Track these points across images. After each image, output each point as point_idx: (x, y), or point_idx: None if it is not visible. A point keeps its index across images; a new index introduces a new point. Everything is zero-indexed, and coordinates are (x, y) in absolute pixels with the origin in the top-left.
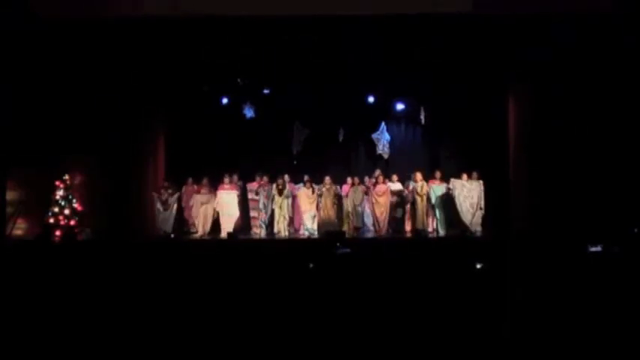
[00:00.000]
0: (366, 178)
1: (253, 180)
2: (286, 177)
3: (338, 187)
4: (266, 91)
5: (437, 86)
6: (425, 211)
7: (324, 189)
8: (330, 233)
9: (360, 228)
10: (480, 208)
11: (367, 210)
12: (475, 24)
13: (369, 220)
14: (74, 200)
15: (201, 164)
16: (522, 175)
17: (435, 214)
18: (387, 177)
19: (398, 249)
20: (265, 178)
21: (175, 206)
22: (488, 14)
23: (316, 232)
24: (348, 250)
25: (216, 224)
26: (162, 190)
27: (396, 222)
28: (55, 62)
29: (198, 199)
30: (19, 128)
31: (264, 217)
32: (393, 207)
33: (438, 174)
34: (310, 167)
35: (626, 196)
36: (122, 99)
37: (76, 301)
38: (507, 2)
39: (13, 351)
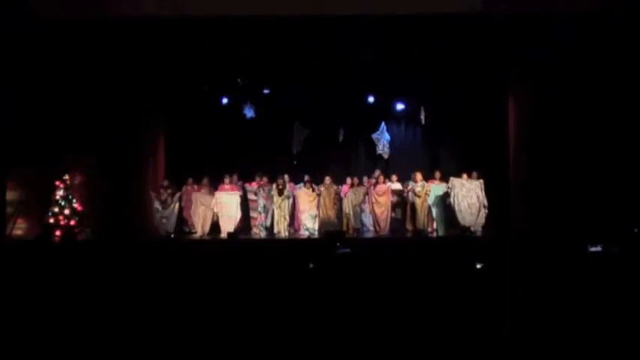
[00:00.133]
0: (365, 179)
1: (253, 180)
2: (286, 177)
3: (338, 186)
4: (266, 91)
5: (437, 86)
6: (425, 211)
7: (322, 188)
8: (330, 233)
9: (358, 229)
10: (484, 207)
11: (367, 210)
12: (475, 24)
13: (368, 221)
14: (74, 200)
15: (201, 164)
16: (522, 175)
17: (433, 214)
18: (387, 177)
19: (398, 249)
20: (265, 179)
21: (177, 206)
22: (488, 14)
23: (316, 232)
24: (348, 250)
25: (216, 225)
26: (162, 190)
27: (395, 222)
28: (55, 62)
29: (198, 199)
30: (19, 128)
31: (262, 219)
32: (393, 207)
33: (437, 174)
34: (310, 167)
35: (626, 196)
36: (122, 99)
37: (76, 301)
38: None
39: (14, 351)
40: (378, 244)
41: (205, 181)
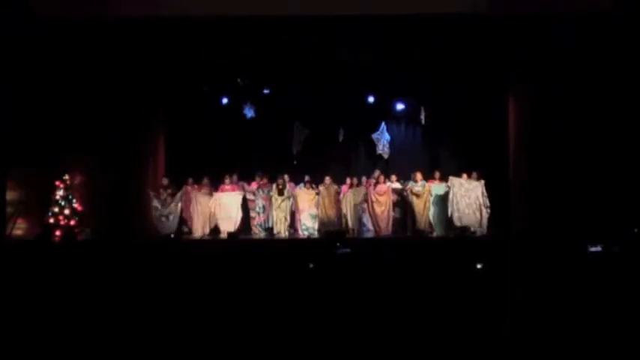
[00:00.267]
0: (364, 179)
1: (253, 180)
2: (286, 177)
3: (339, 186)
4: (266, 91)
5: (437, 86)
6: (427, 211)
7: (321, 188)
8: (330, 233)
9: (357, 229)
10: (487, 208)
11: (367, 210)
12: (475, 24)
13: (368, 221)
14: (74, 200)
15: (201, 164)
16: (522, 175)
17: (431, 213)
18: (387, 177)
19: (398, 249)
20: (265, 179)
21: (179, 206)
22: (487, 14)
23: (315, 232)
24: (348, 250)
25: (216, 225)
26: (162, 190)
27: (396, 222)
28: (55, 62)
29: (197, 199)
30: (19, 128)
31: (261, 220)
32: (393, 206)
33: (437, 174)
34: (310, 167)
35: (626, 196)
36: (122, 99)
37: (76, 301)
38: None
39: (14, 351)
40: (378, 244)
41: (206, 180)
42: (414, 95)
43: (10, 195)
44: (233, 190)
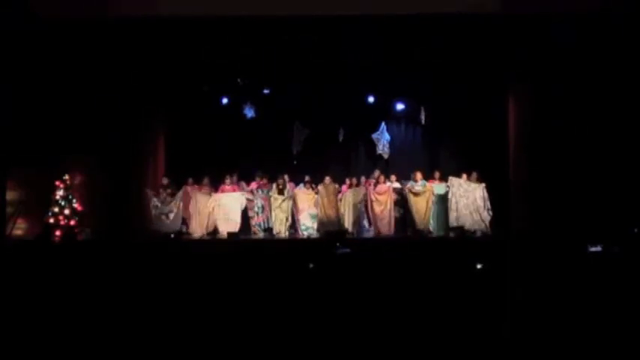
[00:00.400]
0: (363, 179)
1: (253, 180)
2: (286, 177)
3: (339, 185)
4: (266, 91)
5: (437, 86)
6: (429, 211)
7: (320, 187)
8: (330, 233)
9: (357, 229)
10: (488, 210)
11: (366, 211)
12: (475, 24)
13: (367, 223)
14: (74, 200)
15: (201, 164)
16: (522, 175)
17: (432, 213)
18: (386, 177)
19: (398, 249)
20: (265, 179)
21: (181, 205)
22: (487, 14)
23: (313, 231)
24: (348, 250)
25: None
26: (161, 190)
27: (396, 221)
28: (55, 62)
29: (197, 198)
30: (19, 128)
31: (260, 220)
32: (394, 206)
33: (437, 174)
34: (310, 167)
35: (626, 196)
36: (122, 99)
37: (76, 301)
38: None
39: (14, 351)
40: (378, 244)
41: (206, 180)
42: (414, 95)
43: (10, 195)
44: (234, 190)
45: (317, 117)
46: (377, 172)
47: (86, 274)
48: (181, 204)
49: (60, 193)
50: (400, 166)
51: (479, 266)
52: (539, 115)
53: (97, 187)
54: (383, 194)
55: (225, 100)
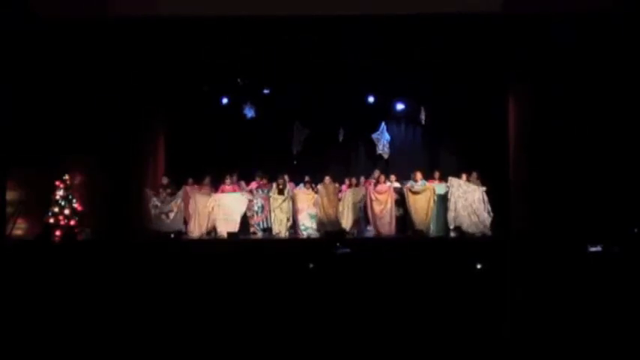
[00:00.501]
0: (362, 179)
1: (253, 180)
2: (286, 177)
3: (339, 185)
4: (266, 91)
5: (437, 86)
6: (429, 210)
7: (320, 187)
8: (330, 233)
9: (358, 227)
10: (489, 213)
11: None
12: (475, 24)
13: (366, 223)
14: (74, 200)
15: (201, 164)
16: (522, 175)
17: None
18: (386, 177)
19: (398, 249)
20: (264, 180)
21: (182, 205)
22: (487, 14)
23: (313, 231)
24: (348, 250)
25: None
26: (161, 190)
27: (397, 220)
28: (55, 62)
29: (197, 198)
30: (19, 128)
31: (259, 219)
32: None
33: (437, 174)
34: (310, 167)
35: (626, 196)
36: (122, 99)
37: (76, 301)
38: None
39: (14, 351)
40: (378, 244)
41: (207, 180)
42: (414, 95)
43: (10, 195)
44: (234, 190)
45: (317, 117)
46: (377, 172)
47: (86, 274)
48: (182, 204)
49: (60, 193)
50: (400, 166)
51: (479, 266)
52: (539, 115)
53: (97, 187)
54: (383, 193)
55: (225, 100)
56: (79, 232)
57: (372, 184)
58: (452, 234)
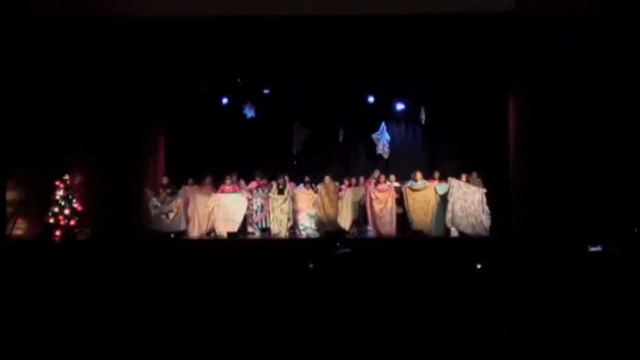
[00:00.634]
0: (362, 179)
1: (253, 180)
2: (286, 177)
3: (339, 184)
4: (266, 91)
5: (437, 86)
6: (430, 209)
7: (319, 187)
8: (330, 233)
9: (358, 227)
10: (487, 214)
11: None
12: (475, 24)
13: (367, 224)
14: (74, 200)
15: (201, 164)
16: (522, 175)
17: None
18: (386, 177)
19: (398, 249)
20: (264, 180)
21: (182, 205)
22: (488, 14)
23: (312, 231)
24: (348, 250)
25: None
26: (161, 190)
27: (398, 217)
28: (55, 62)
29: (196, 198)
30: (19, 128)
31: (257, 219)
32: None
33: (437, 174)
34: (310, 167)
35: (626, 196)
36: (122, 99)
37: (76, 301)
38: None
39: (14, 351)
40: (378, 244)
41: (209, 179)
42: (414, 95)
43: (10, 195)
44: (234, 190)
45: (317, 117)
46: (377, 172)
47: (86, 274)
48: (182, 204)
49: (60, 193)
50: (400, 166)
51: (479, 266)
52: (539, 115)
53: (97, 187)
54: (384, 192)
55: (225, 100)
56: (79, 232)
57: (372, 183)
58: (452, 234)
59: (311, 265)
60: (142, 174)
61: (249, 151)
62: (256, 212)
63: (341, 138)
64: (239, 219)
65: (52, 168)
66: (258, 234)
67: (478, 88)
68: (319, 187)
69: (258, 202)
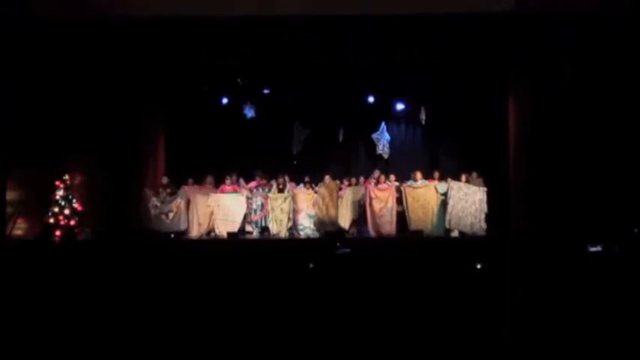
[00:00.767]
0: (362, 179)
1: (253, 180)
2: (286, 177)
3: (340, 182)
4: (266, 91)
5: (437, 86)
6: (427, 210)
7: (322, 187)
8: (330, 233)
9: (358, 227)
10: (485, 213)
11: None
12: (475, 24)
13: (367, 225)
14: (74, 200)
15: (201, 164)
16: (522, 175)
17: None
18: (386, 177)
19: (398, 249)
20: (264, 179)
21: (182, 205)
22: (488, 14)
23: (310, 231)
24: (348, 250)
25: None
26: (161, 190)
27: (398, 215)
28: (55, 62)
29: (196, 198)
30: (19, 128)
31: (257, 218)
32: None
33: (437, 174)
34: (310, 167)
35: (626, 196)
36: (122, 99)
37: (76, 301)
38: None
39: (14, 351)
40: (378, 244)
41: (209, 179)
42: (414, 95)
43: (10, 195)
44: (234, 190)
45: (317, 117)
46: (377, 172)
47: (86, 274)
48: (182, 203)
49: (60, 193)
50: (400, 166)
51: (479, 266)
52: (539, 115)
53: (97, 187)
54: (384, 191)
55: (225, 100)
56: (79, 232)
57: (372, 183)
58: (452, 234)
59: (311, 265)
60: (142, 174)
61: (249, 151)
62: (255, 211)
63: (341, 138)
64: (239, 219)
65: (52, 168)
66: (256, 233)
67: (478, 88)
68: (320, 187)
69: (258, 201)
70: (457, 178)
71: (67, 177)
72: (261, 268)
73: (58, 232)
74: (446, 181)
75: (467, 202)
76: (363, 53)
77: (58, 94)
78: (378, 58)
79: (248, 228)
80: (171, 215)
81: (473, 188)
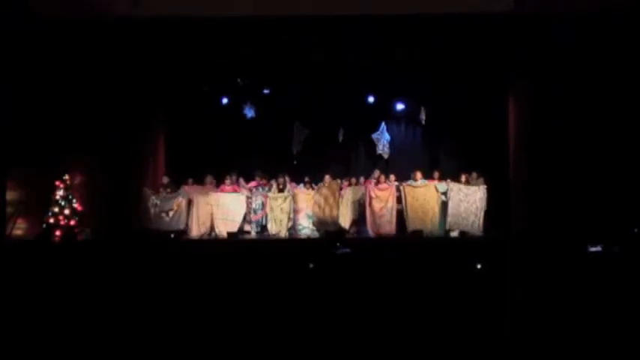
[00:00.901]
0: (362, 179)
1: (253, 180)
2: (286, 177)
3: (341, 181)
4: (266, 91)
5: (437, 86)
6: (427, 210)
7: (323, 188)
8: (330, 233)
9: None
10: (485, 210)
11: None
12: (475, 24)
13: (366, 225)
14: (74, 200)
15: (201, 164)
16: (522, 175)
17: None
18: (386, 177)
19: (398, 249)
20: (264, 179)
21: (183, 204)
22: (487, 14)
23: (310, 231)
24: (348, 250)
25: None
26: (162, 190)
27: (399, 213)
28: (55, 62)
29: (196, 198)
30: (19, 128)
31: (257, 217)
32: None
33: (437, 174)
34: (310, 167)
35: (626, 196)
36: (122, 99)
37: (76, 301)
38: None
39: (14, 351)
40: (378, 244)
41: (210, 179)
42: (414, 95)
43: (10, 195)
44: (234, 190)
45: (317, 117)
46: (377, 172)
47: (86, 274)
48: (183, 202)
49: (60, 193)
50: (400, 166)
51: (479, 266)
52: (539, 115)
53: (97, 187)
54: (384, 190)
55: (225, 100)
56: (79, 232)
57: (373, 183)
58: (452, 234)
59: (311, 265)
60: (142, 174)
61: (249, 151)
62: (255, 211)
63: (341, 138)
64: (239, 219)
65: (52, 168)
66: (254, 233)
67: (478, 88)
68: (322, 187)
69: (258, 200)
70: (457, 178)
71: (67, 177)
72: (261, 268)
73: (58, 232)
74: (445, 182)
75: (468, 202)
76: (363, 53)
77: (58, 94)
78: (378, 58)
79: (246, 227)
80: (171, 214)
81: (473, 188)
